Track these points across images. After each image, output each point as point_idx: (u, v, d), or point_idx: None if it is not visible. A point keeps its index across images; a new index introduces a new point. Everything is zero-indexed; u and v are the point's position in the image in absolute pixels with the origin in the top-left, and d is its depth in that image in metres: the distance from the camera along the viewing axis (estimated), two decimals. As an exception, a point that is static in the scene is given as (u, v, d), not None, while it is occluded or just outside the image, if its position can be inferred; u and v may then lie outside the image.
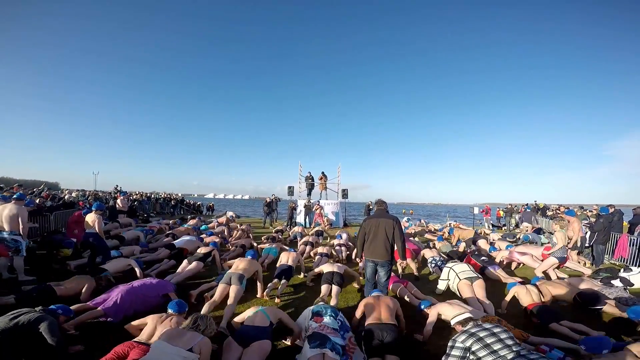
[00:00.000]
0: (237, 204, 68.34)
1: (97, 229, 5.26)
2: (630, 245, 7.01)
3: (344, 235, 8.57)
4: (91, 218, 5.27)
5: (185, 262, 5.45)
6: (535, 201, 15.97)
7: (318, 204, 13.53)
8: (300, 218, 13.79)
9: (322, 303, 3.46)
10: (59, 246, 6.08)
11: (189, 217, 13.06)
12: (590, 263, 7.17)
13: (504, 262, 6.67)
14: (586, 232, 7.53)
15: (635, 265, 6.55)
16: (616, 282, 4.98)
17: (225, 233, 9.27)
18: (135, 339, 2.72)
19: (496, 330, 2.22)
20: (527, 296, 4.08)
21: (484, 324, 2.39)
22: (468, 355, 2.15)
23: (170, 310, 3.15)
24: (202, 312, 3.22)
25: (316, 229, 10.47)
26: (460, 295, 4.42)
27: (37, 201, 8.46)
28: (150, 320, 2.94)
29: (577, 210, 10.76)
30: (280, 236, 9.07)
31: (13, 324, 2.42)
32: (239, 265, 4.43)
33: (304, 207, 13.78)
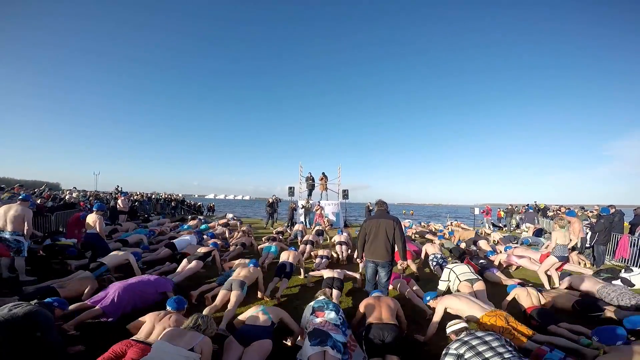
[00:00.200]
0: (237, 204, 68.24)
1: (98, 229, 5.27)
2: (631, 246, 7.02)
3: (345, 234, 8.55)
4: (92, 218, 5.28)
5: (185, 261, 5.44)
6: (535, 202, 15.97)
7: (318, 205, 13.53)
8: (300, 219, 13.76)
9: (323, 298, 3.45)
10: (63, 254, 5.93)
11: (189, 217, 13.08)
12: (591, 264, 7.17)
13: (503, 265, 6.67)
14: (587, 233, 7.54)
15: (636, 266, 6.56)
16: (617, 283, 4.97)
17: (226, 234, 9.26)
18: (133, 337, 2.68)
19: (488, 338, 2.37)
20: (527, 299, 4.06)
21: (477, 332, 2.50)
22: None
23: (168, 308, 3.13)
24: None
25: (317, 228, 10.45)
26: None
27: (39, 202, 8.48)
28: (148, 318, 2.92)
29: (577, 211, 10.76)
30: (281, 237, 9.05)
31: (9, 315, 2.40)
32: (240, 272, 4.44)
33: (302, 207, 13.79)
